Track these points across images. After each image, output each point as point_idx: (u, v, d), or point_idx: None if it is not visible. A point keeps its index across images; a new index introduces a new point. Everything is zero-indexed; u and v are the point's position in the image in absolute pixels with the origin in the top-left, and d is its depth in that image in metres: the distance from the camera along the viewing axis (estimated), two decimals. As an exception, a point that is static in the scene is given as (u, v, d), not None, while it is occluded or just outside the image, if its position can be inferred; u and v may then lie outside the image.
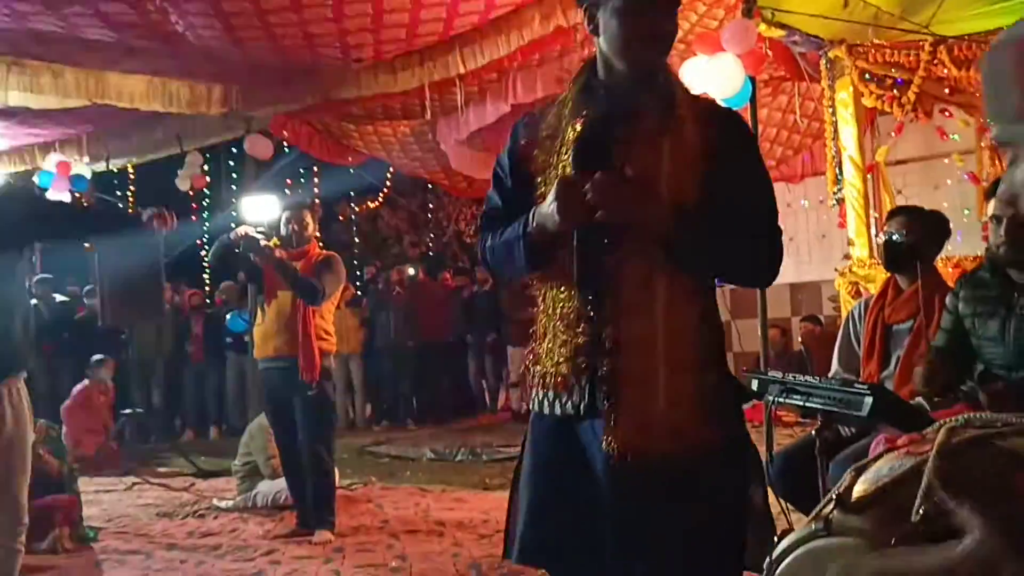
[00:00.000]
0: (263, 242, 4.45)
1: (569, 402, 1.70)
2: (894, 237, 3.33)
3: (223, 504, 5.72)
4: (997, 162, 7.39)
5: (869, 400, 2.43)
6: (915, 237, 3.32)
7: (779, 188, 9.54)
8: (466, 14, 6.24)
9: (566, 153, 1.72)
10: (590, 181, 1.59)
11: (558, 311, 1.73)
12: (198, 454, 8.12)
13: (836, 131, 6.05)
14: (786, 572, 1.18)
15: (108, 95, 7.26)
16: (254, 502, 5.57)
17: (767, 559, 1.25)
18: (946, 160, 8.11)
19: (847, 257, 6.07)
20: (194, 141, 9.01)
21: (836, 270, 6.19)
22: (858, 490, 1.19)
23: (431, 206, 12.95)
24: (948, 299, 3.01)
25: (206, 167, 9.65)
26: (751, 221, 1.74)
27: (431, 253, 12.96)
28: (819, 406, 2.60)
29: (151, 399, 9.82)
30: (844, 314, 6.19)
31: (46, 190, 8.50)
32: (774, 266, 1.81)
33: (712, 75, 5.03)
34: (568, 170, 1.68)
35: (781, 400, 2.76)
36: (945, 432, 1.16)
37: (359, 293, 10.72)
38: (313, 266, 4.63)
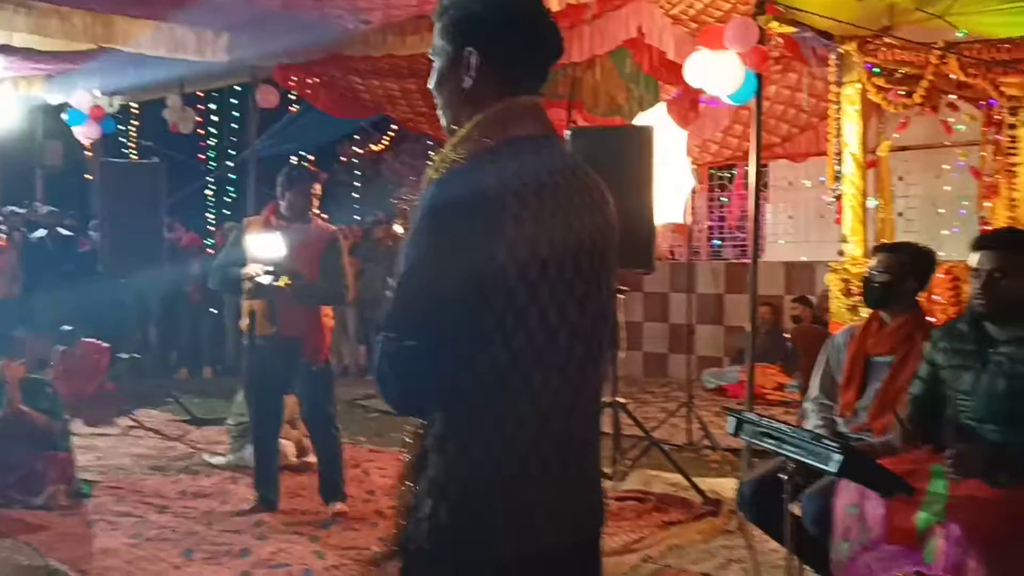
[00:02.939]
0: (272, 283, 4.40)
1: None
2: (874, 276, 3.42)
3: (215, 460, 5.88)
4: (1000, 157, 7.42)
5: (839, 457, 2.54)
6: (894, 276, 3.41)
7: (782, 166, 9.65)
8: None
9: None
10: None
11: None
12: (192, 396, 8.29)
13: (840, 127, 6.05)
14: None
15: (115, 39, 7.21)
16: (246, 462, 5.71)
17: None
18: (949, 149, 8.13)
19: (841, 254, 6.12)
20: (197, 84, 8.96)
21: (828, 265, 6.25)
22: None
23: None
24: (926, 348, 3.10)
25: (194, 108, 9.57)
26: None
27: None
28: (791, 454, 2.71)
29: (147, 337, 9.95)
30: (832, 307, 6.31)
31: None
32: (408, 389, 1.54)
33: (714, 71, 5.03)
34: None
35: (755, 442, 2.89)
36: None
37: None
38: (321, 253, 4.57)
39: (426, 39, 6.95)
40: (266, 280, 4.36)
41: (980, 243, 2.92)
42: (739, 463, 5.59)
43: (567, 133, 5.17)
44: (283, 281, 4.38)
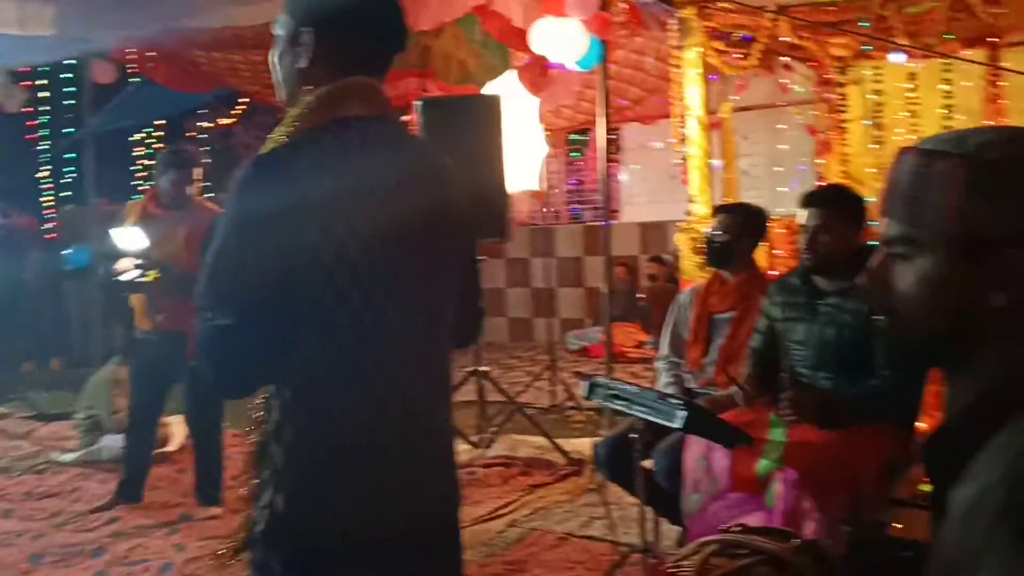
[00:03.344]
0: (139, 278, 4.17)
1: None
2: (715, 237, 3.57)
3: (64, 458, 5.60)
4: (832, 115, 7.83)
5: (683, 414, 2.65)
6: (733, 235, 3.57)
7: (634, 128, 9.87)
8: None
9: None
10: None
11: None
12: (39, 390, 7.86)
13: (683, 90, 6.21)
14: None
15: (-78, 13, 6.65)
16: (98, 456, 5.48)
17: None
18: (787, 108, 8.51)
19: (689, 214, 6.32)
20: (24, 60, 8.38)
21: (677, 225, 6.45)
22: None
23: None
24: (763, 302, 3.26)
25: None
26: None
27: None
28: (640, 414, 2.81)
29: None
30: (683, 266, 6.53)
31: None
32: (220, 371, 1.53)
33: (558, 38, 5.09)
34: None
35: (607, 404, 2.98)
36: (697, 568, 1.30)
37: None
38: (204, 239, 4.33)
39: (267, 9, 6.74)
40: (131, 276, 4.16)
41: (805, 201, 3.08)
42: (601, 422, 5.75)
43: (417, 104, 5.12)
44: (151, 275, 4.18)
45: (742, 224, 3.60)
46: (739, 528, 1.37)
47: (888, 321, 1.04)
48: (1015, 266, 0.94)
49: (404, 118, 7.08)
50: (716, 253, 3.61)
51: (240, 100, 11.95)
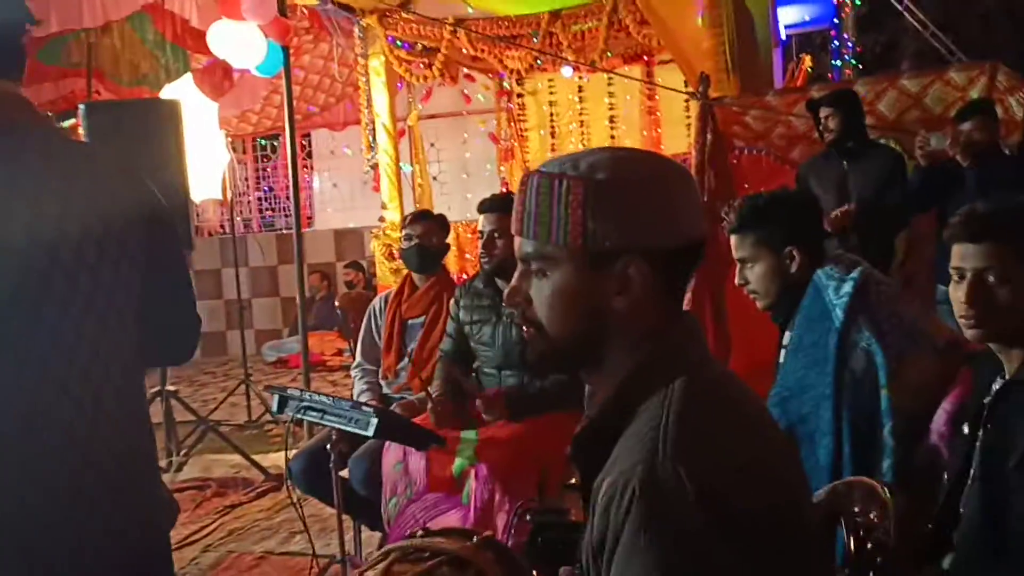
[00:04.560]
0: None
1: None
2: (411, 243, 3.62)
3: None
4: (512, 123, 8.28)
5: (375, 421, 2.67)
6: (426, 241, 3.64)
7: (324, 134, 9.79)
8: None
9: None
10: None
11: None
12: None
13: (370, 99, 6.28)
14: None
15: None
16: None
17: None
18: (471, 117, 8.87)
19: (382, 220, 6.40)
20: None
21: (371, 232, 6.51)
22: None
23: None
24: (451, 306, 3.37)
25: None
26: None
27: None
28: (333, 424, 2.79)
29: None
30: (378, 272, 6.61)
31: None
32: None
33: (236, 42, 4.94)
34: None
35: (300, 416, 2.92)
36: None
37: None
38: None
39: None
40: None
41: (482, 207, 3.22)
42: (301, 433, 5.63)
43: (80, 108, 4.72)
44: None
45: (434, 230, 3.68)
46: (422, 532, 1.41)
47: (532, 333, 1.12)
48: (630, 273, 1.05)
49: (70, 122, 6.52)
50: (415, 258, 3.65)
51: None
